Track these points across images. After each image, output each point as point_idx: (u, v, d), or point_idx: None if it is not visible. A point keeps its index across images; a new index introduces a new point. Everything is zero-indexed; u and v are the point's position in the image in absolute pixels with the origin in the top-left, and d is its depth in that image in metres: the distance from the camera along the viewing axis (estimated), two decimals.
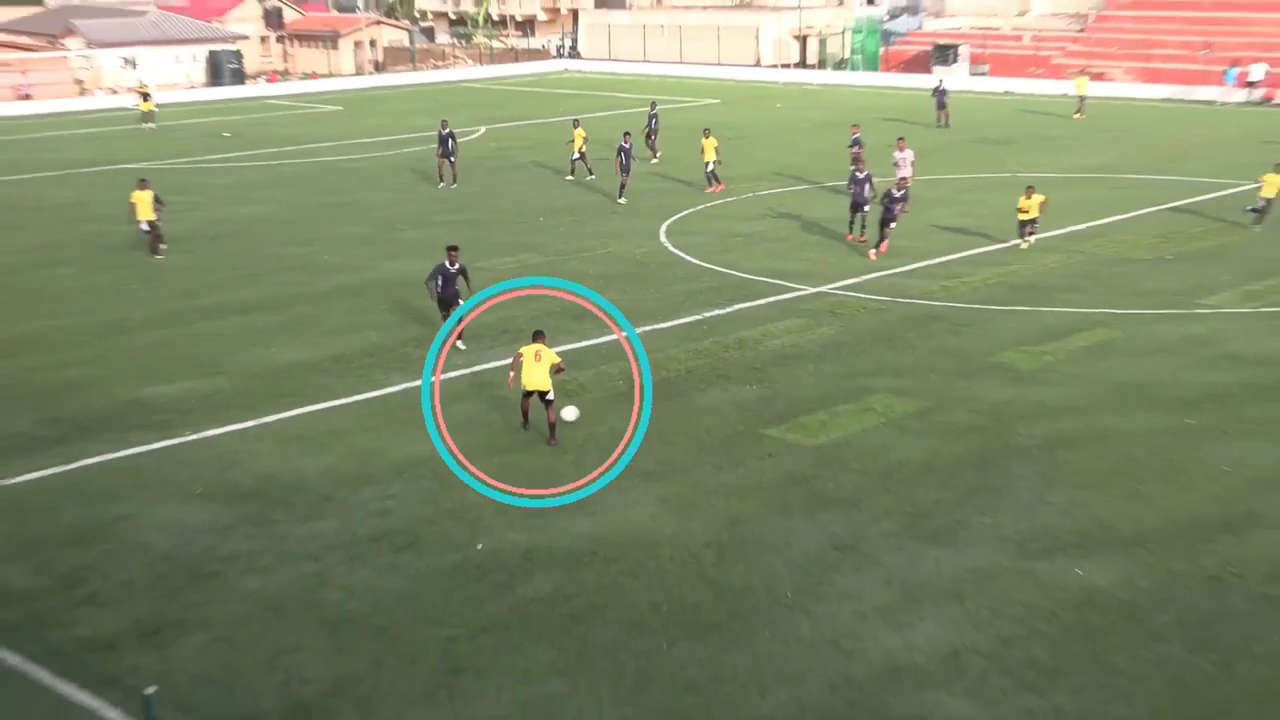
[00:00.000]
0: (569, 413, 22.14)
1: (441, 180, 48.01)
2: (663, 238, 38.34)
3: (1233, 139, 57.10)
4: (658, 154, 53.33)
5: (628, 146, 44.32)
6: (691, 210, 42.30)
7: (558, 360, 22.16)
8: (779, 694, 14.70)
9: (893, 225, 34.93)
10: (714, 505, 19.72)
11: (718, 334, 28.38)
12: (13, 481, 21.13)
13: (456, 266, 27.13)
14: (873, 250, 34.85)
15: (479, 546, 18.46)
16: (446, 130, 48.31)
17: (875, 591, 16.98)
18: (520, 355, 21.99)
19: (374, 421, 23.67)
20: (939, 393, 24.46)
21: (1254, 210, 37.87)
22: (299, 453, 22.21)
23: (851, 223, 37.17)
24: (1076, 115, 64.33)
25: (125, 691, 13.98)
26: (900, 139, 43.29)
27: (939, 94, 63.10)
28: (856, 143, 46.45)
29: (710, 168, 46.05)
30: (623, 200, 43.92)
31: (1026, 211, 35.68)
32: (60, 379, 26.43)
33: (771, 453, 21.76)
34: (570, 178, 49.29)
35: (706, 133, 46.74)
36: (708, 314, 29.76)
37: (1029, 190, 35.86)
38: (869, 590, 17.02)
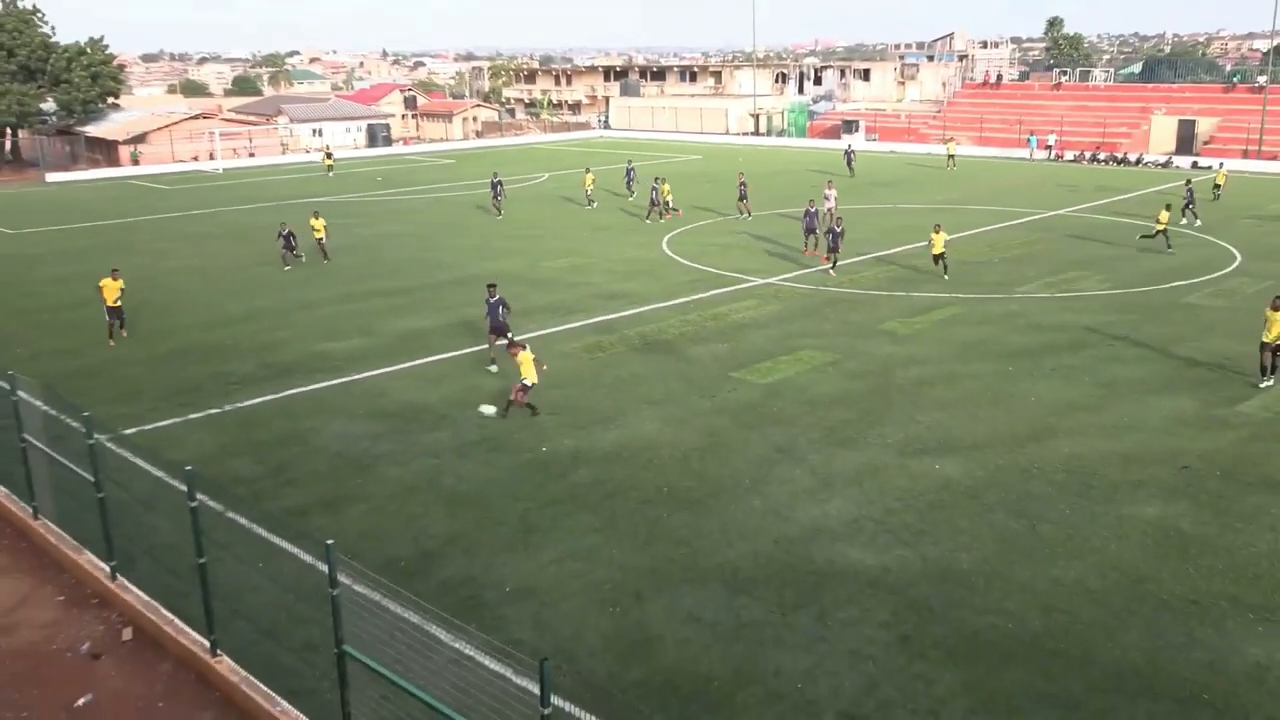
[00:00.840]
0: (487, 409, 19.84)
1: (498, 214, 47.06)
2: (664, 247, 38.07)
3: (1035, 183, 56.61)
4: (634, 194, 51.62)
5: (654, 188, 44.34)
6: (682, 229, 41.99)
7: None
8: (740, 546, 14.68)
9: (838, 250, 32.04)
10: (698, 422, 19.65)
11: (700, 310, 28.21)
12: (244, 404, 21.21)
13: (496, 298, 23.15)
14: (831, 270, 31.97)
15: (543, 449, 18.43)
16: (497, 179, 47.58)
17: (803, 479, 16.93)
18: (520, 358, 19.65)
19: (472, 367, 23.57)
20: (845, 349, 24.32)
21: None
22: (425, 387, 22.14)
23: (806, 242, 35.80)
24: (950, 168, 63.64)
25: (314, 543, 13.94)
26: (830, 180, 43.09)
27: (848, 154, 61.72)
28: (742, 185, 45.25)
29: (670, 202, 44.73)
30: (648, 221, 43.52)
31: (935, 246, 31.37)
32: (271, 338, 26.37)
33: (735, 388, 21.67)
34: (590, 206, 48.94)
35: (659, 179, 46.64)
36: (694, 297, 29.58)
37: (936, 228, 31.64)
38: (799, 478, 16.96)
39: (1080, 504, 15.85)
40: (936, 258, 31.59)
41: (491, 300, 23.33)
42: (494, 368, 23.07)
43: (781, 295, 30.02)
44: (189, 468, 11.70)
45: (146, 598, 13.14)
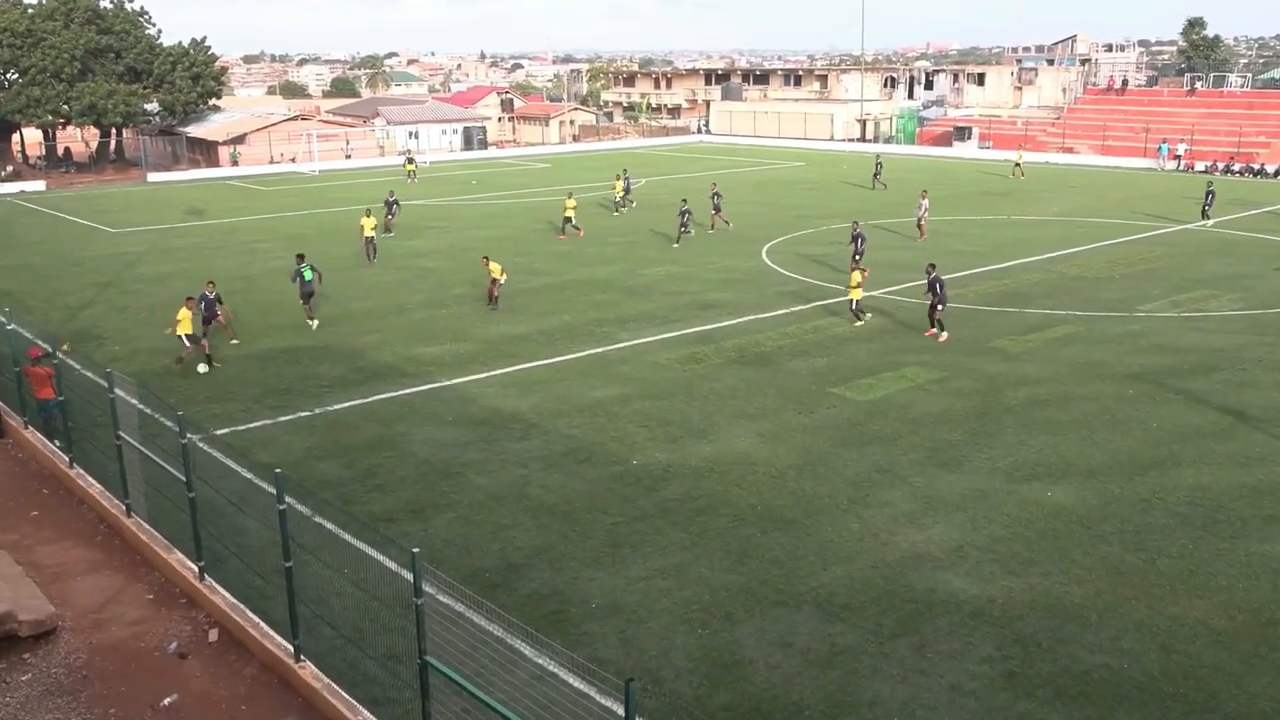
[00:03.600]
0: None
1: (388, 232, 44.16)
2: (764, 257, 37.89)
3: (1163, 194, 54.91)
4: (728, 223, 45.65)
5: (687, 209, 41.31)
6: (781, 239, 41.74)
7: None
8: (836, 569, 14.50)
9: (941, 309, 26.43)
10: (795, 438, 19.49)
11: (799, 322, 28.00)
12: (334, 408, 21.67)
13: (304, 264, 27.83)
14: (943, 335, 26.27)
15: (634, 462, 18.47)
16: (392, 198, 44.73)
17: (904, 501, 16.66)
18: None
19: (566, 375, 23.75)
20: (952, 366, 23.90)
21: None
22: (516, 394, 22.37)
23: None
24: (1016, 177, 62.15)
25: (400, 550, 14.16)
26: (924, 190, 42.34)
27: (878, 165, 59.61)
28: (716, 196, 44.39)
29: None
30: (676, 245, 40.52)
31: (858, 288, 27.57)
32: (363, 341, 26.94)
33: (834, 405, 21.45)
34: (619, 213, 48.97)
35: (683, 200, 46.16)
36: (793, 309, 29.37)
37: (860, 269, 28.62)
38: (900, 500, 16.70)
39: (1204, 539, 15.28)
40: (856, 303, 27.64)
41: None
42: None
43: (885, 308, 29.62)
44: (278, 470, 12.00)
45: (233, 599, 13.51)
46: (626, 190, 50.63)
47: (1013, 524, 15.82)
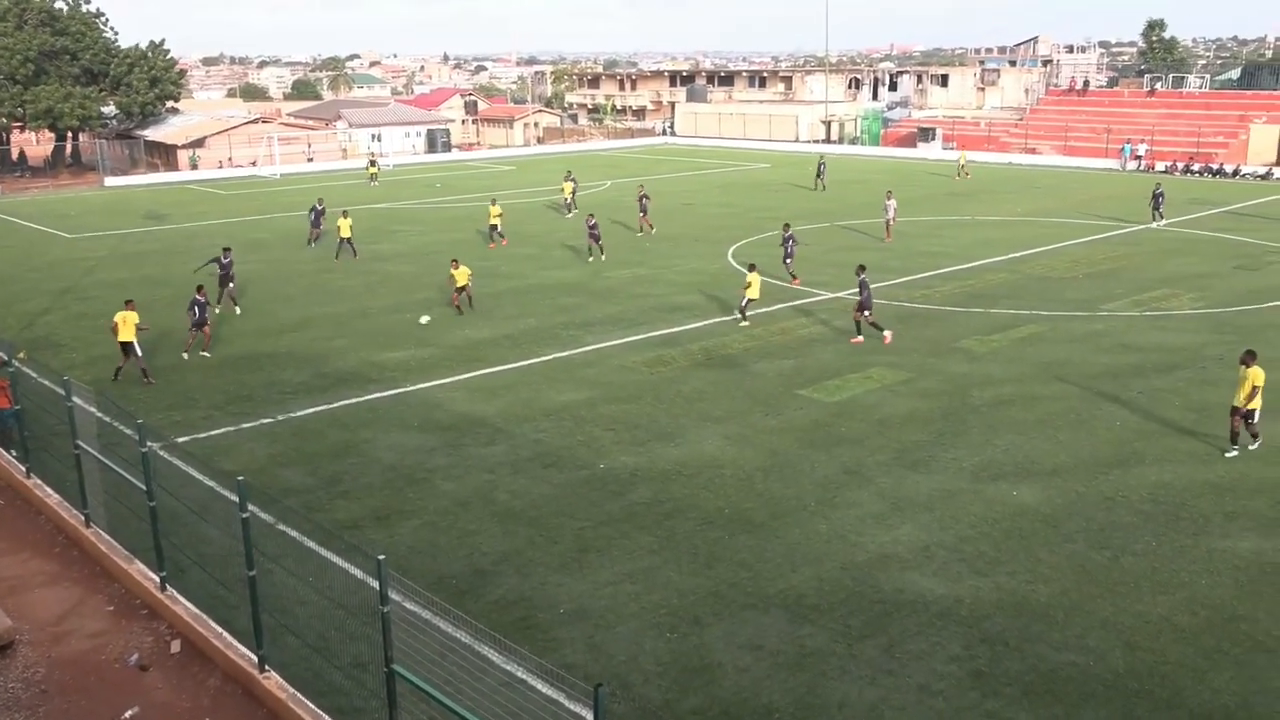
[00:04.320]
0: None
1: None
2: (729, 259, 38.02)
3: (1124, 195, 55.59)
4: (651, 227, 45.40)
5: (593, 223, 39.64)
6: (746, 240, 41.88)
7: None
8: (804, 571, 14.57)
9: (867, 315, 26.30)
10: (762, 441, 19.57)
11: (766, 324, 28.09)
12: (298, 414, 21.56)
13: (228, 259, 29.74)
14: (794, 281, 29.03)
15: (601, 466, 18.48)
16: (320, 206, 43.72)
17: (872, 503, 16.77)
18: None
19: (532, 379, 23.72)
20: (918, 367, 24.07)
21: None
22: (481, 399, 22.32)
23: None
24: (960, 178, 62.75)
25: (365, 557, 14.08)
26: (889, 191, 42.63)
27: (820, 167, 59.68)
28: (643, 199, 44.01)
29: (498, 225, 41.32)
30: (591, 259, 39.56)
31: (751, 289, 27.55)
32: (328, 346, 26.79)
33: (802, 406, 21.55)
34: (569, 215, 49.02)
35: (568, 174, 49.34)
36: (759, 310, 29.43)
37: (751, 266, 28.30)
38: (867, 502, 16.80)
39: (1168, 536, 15.49)
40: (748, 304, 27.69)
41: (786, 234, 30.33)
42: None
43: (851, 310, 29.76)
44: (241, 478, 11.91)
45: (195, 610, 13.39)
46: (573, 191, 50.45)
47: (979, 524, 15.95)
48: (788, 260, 33.13)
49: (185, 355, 25.93)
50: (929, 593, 13.92)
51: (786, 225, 34.22)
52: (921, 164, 68.17)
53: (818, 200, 54.44)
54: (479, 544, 15.54)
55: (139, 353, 23.87)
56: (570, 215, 48.93)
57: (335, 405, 22.09)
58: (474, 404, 22.03)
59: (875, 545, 15.31)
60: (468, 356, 25.59)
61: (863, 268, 27.13)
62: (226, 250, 31.73)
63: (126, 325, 23.59)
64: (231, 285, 31.02)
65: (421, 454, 19.20)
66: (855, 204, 52.33)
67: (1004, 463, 18.35)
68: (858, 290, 26.46)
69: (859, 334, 26.39)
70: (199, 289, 26.16)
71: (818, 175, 59.41)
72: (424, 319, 28.54)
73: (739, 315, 28.16)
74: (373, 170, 67.78)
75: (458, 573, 14.68)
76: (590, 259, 37.94)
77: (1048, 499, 16.82)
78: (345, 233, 38.88)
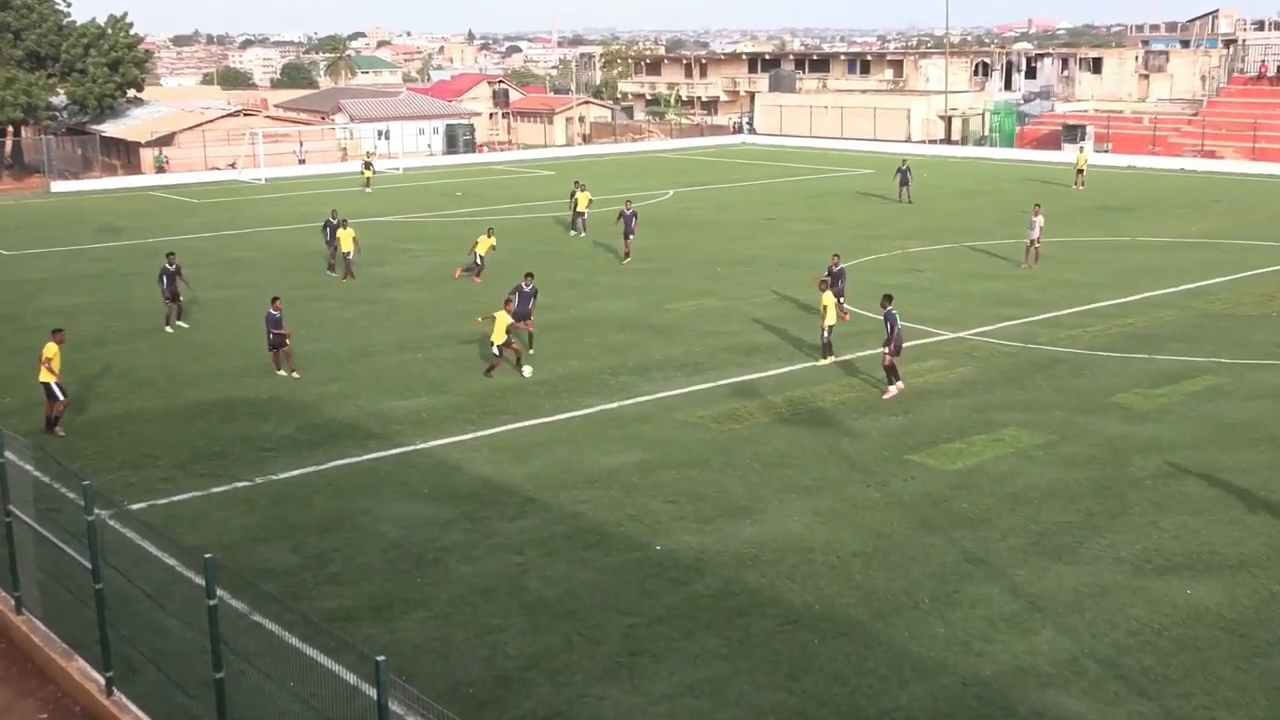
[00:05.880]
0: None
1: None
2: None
3: None
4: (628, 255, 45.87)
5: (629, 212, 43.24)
6: (848, 264, 41.80)
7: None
8: (916, 687, 14.37)
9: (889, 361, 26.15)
10: (862, 519, 19.42)
11: (868, 371, 27.95)
12: (281, 477, 21.71)
13: (530, 287, 29.85)
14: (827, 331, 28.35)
15: (657, 547, 18.42)
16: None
17: (1003, 600, 16.54)
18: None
19: (572, 436, 23.77)
20: (1062, 427, 23.80)
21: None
22: (509, 461, 22.38)
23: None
24: (1077, 186, 62.55)
25: (360, 658, 14.09)
26: (1036, 205, 42.32)
27: (902, 171, 59.40)
28: (629, 217, 43.55)
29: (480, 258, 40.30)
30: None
31: (828, 315, 28.43)
32: (319, 392, 27.07)
33: (913, 476, 21.37)
34: (573, 233, 49.40)
35: (580, 185, 50.52)
36: (860, 353, 29.32)
37: (823, 283, 29.45)
38: (997, 599, 16.58)
39: None
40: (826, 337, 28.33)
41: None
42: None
43: (978, 354, 29.57)
44: (209, 555, 12.00)
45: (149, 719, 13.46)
46: (587, 205, 50.21)
47: (1142, 630, 15.65)
48: (841, 300, 31.51)
49: (169, 329, 32.14)
50: (1078, 718, 13.65)
51: (836, 256, 32.89)
52: (1069, 170, 67.69)
53: (934, 215, 54.28)
54: (503, 643, 15.50)
55: (60, 396, 24.21)
56: (584, 235, 48.85)
57: (327, 466, 22.22)
58: (499, 467, 22.07)
59: (1007, 655, 15.06)
60: (493, 407, 25.72)
61: (889, 298, 26.64)
62: (170, 255, 33.39)
63: (56, 361, 24.08)
64: (181, 299, 33.35)
65: (433, 529, 19.24)
66: (983, 220, 52.06)
67: (1174, 552, 18.01)
68: (886, 327, 26.05)
69: (892, 382, 26.04)
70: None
71: (902, 183, 59.02)
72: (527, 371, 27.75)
73: (822, 352, 28.45)
74: (368, 174, 68.69)
75: (476, 679, 14.64)
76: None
77: (1232, 600, 16.46)
78: (346, 246, 39.78)
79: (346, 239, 39.88)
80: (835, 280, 31.40)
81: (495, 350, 27.43)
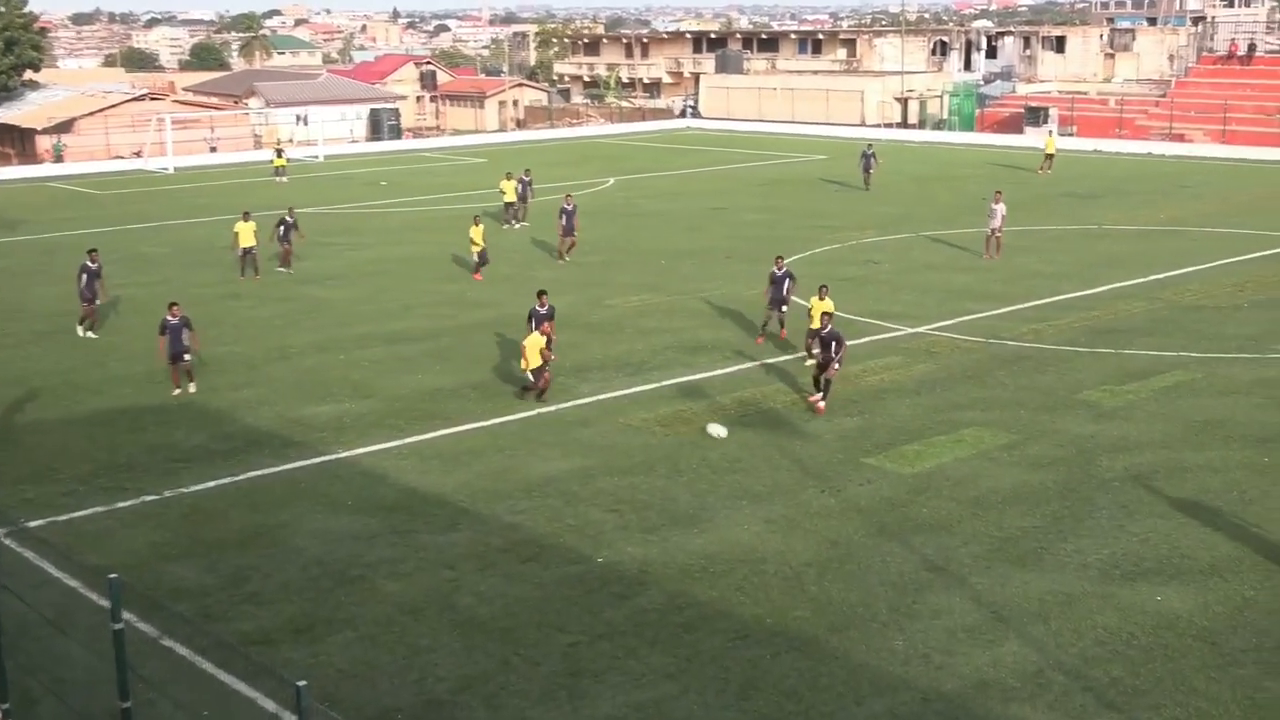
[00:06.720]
0: (717, 430, 22.50)
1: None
2: None
3: None
4: (515, 221, 49.57)
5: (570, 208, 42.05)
6: (797, 257, 42.02)
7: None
8: (874, 704, 14.46)
9: (834, 370, 25.31)
10: (816, 526, 19.52)
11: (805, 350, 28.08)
12: (193, 489, 21.51)
13: (546, 309, 27.40)
14: (820, 402, 25.35)
15: (600, 559, 18.42)
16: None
17: (965, 610, 16.68)
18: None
19: (508, 442, 23.73)
20: (1026, 427, 24.04)
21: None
22: (439, 470, 22.32)
23: (765, 321, 31.05)
24: (1043, 171, 63.58)
25: (279, 683, 14.02)
26: (997, 192, 42.69)
27: (867, 157, 59.62)
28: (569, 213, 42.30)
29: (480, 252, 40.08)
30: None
31: (814, 318, 27.05)
32: (234, 398, 26.87)
33: (870, 479, 21.51)
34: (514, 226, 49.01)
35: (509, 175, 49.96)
36: (813, 350, 29.42)
37: (822, 290, 27.73)
38: (959, 609, 16.72)
39: None
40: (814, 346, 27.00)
41: (542, 310, 27.25)
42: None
43: (937, 350, 29.81)
44: (114, 575, 11.87)
45: None
46: (523, 197, 50.07)
47: (1111, 640, 15.83)
48: (784, 308, 30.61)
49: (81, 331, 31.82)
50: None
51: (780, 258, 31.66)
52: (1031, 154, 68.41)
53: (890, 204, 54.66)
54: (434, 665, 15.46)
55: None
56: (514, 227, 48.64)
57: (243, 477, 22.06)
58: (428, 476, 22.01)
59: (970, 668, 15.19)
60: (421, 412, 25.63)
61: (829, 316, 25.81)
62: (92, 253, 33.17)
63: (246, 233, 24.77)
64: (98, 302, 32.97)
65: (357, 543, 19.14)
66: (942, 209, 52.52)
67: (1143, 557, 18.24)
68: (823, 342, 25.35)
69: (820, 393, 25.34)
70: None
71: (866, 169, 59.31)
72: (716, 430, 23.68)
73: (807, 352, 28.08)
74: (279, 162, 68.12)
75: (405, 704, 14.58)
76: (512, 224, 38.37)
77: (1204, 607, 16.69)
78: (247, 241, 39.12)
79: (247, 232, 39.22)
80: (780, 285, 30.45)
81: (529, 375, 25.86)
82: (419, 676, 15.22)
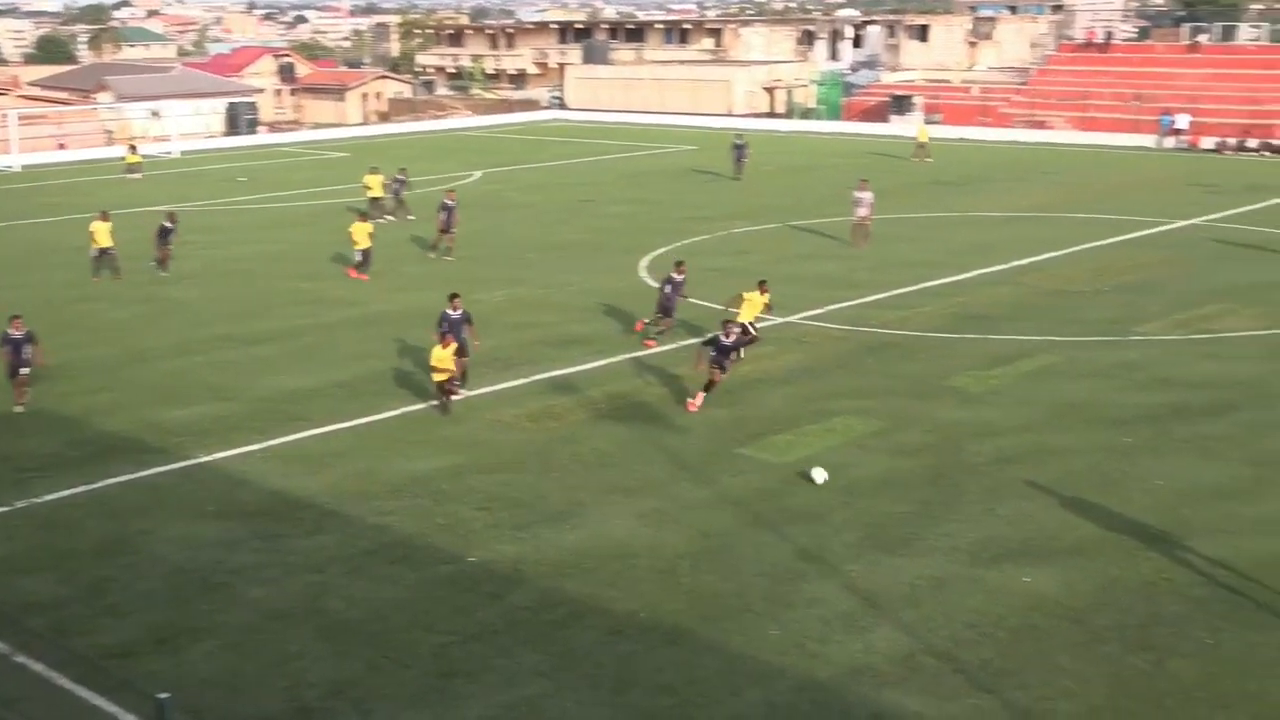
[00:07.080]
0: (818, 475, 20.94)
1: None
2: (641, 272, 38.27)
3: (1160, 181, 57.38)
4: (390, 217, 48.78)
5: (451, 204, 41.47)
6: (666, 249, 42.21)
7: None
8: (750, 694, 14.62)
9: (722, 377, 24.93)
10: (689, 519, 19.65)
11: (693, 361, 28.20)
12: (43, 499, 21.03)
13: (460, 313, 25.90)
14: (691, 401, 25.02)
15: (470, 558, 18.38)
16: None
17: (838, 598, 16.92)
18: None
19: (374, 443, 23.55)
20: (895, 414, 24.42)
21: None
22: (303, 472, 22.08)
23: (650, 322, 30.33)
24: (919, 159, 64.86)
25: (141, 696, 13.78)
26: (863, 180, 43.27)
27: (738, 147, 60.47)
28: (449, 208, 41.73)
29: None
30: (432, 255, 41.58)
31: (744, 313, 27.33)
32: (88, 404, 26.28)
33: (742, 470, 21.70)
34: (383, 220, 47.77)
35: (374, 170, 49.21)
36: (683, 342, 29.62)
37: (762, 286, 28.25)
38: (832, 597, 16.95)
39: (1230, 630, 15.86)
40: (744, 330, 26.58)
41: (455, 315, 25.73)
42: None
43: (808, 339, 30.17)
44: None
45: None
46: (397, 193, 49.47)
47: (980, 622, 16.15)
48: (659, 316, 30.02)
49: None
50: (917, 717, 14.03)
51: (681, 263, 31.01)
52: (899, 143, 69.51)
53: (760, 194, 55.14)
54: (302, 671, 15.31)
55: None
56: (383, 221, 47.84)
57: (99, 485, 21.62)
58: (293, 479, 21.76)
59: (843, 656, 15.40)
60: (283, 414, 25.30)
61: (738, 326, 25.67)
62: None
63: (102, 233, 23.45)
64: None
65: (220, 549, 18.87)
66: (811, 198, 53.09)
67: (1011, 539, 18.65)
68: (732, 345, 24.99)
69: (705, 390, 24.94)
70: (13, 319, 25.92)
71: (737, 159, 59.93)
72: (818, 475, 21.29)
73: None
74: (133, 159, 66.65)
75: (273, 712, 14.43)
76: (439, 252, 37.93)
77: (1069, 586, 17.11)
78: (103, 241, 38.23)
79: (103, 232, 38.30)
80: (664, 286, 30.06)
81: None
82: (288, 684, 15.05)
